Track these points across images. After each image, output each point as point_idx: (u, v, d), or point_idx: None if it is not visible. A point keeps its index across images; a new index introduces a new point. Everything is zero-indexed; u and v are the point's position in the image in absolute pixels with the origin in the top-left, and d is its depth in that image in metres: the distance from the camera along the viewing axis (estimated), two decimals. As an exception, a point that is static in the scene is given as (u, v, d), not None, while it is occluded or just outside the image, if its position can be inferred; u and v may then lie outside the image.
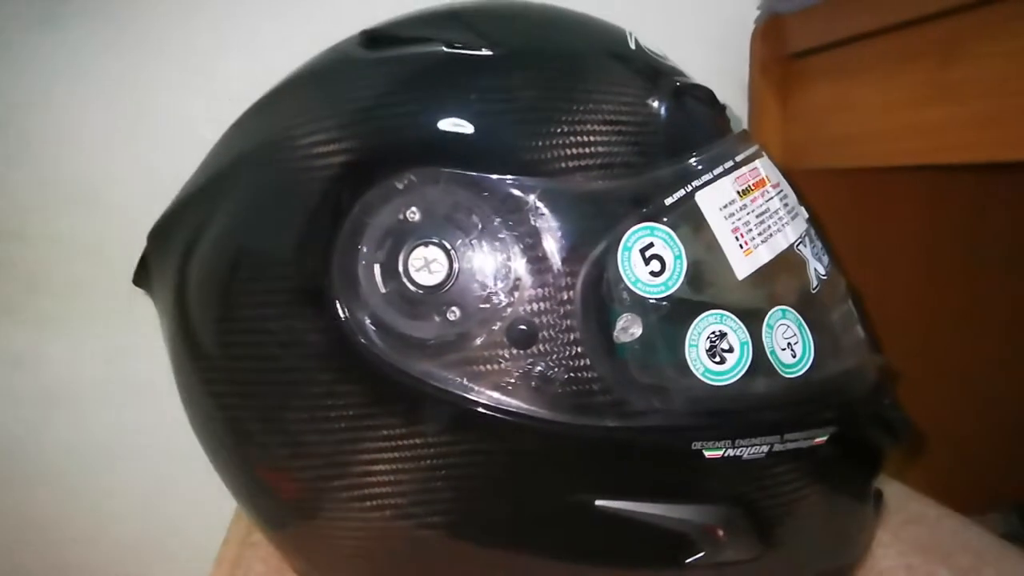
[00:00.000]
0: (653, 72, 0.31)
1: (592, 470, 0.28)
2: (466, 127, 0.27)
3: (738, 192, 0.29)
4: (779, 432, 0.28)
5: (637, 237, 0.27)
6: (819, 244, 0.33)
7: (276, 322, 0.28)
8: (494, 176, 0.26)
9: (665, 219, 0.27)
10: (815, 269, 0.31)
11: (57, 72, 0.50)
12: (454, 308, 0.26)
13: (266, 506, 0.33)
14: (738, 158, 0.30)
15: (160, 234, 0.34)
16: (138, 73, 0.51)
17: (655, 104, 0.29)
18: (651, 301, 0.27)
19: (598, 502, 0.28)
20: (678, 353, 0.27)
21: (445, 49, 0.29)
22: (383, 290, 0.27)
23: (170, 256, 0.33)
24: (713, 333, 0.27)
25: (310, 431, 0.29)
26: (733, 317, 0.28)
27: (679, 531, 0.29)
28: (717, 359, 0.27)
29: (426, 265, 0.26)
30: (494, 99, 0.28)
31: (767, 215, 0.30)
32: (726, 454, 0.28)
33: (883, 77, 0.42)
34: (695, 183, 0.28)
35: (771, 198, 0.31)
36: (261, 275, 0.29)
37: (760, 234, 0.29)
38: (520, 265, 0.26)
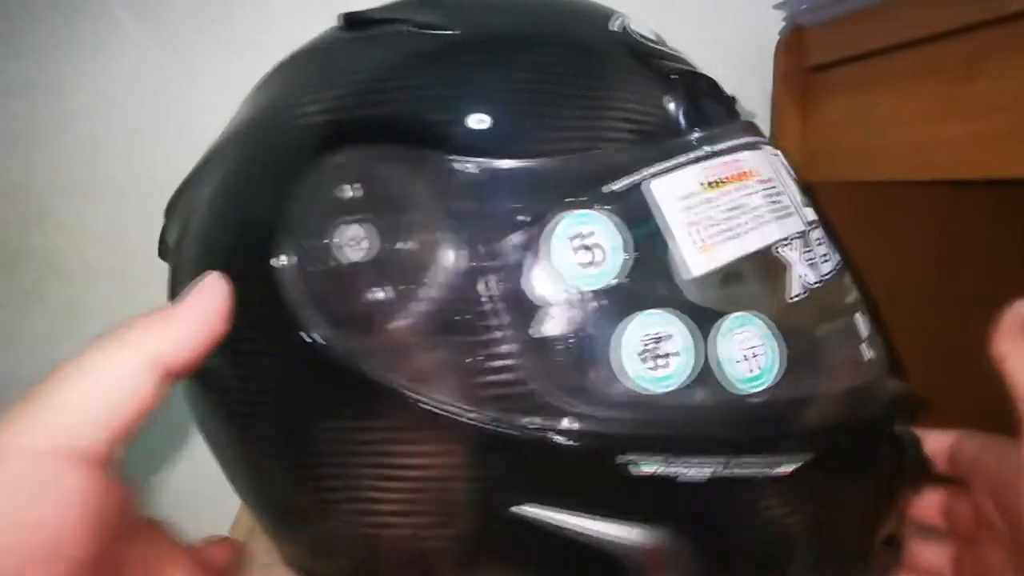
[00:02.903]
0: (631, 56, 0.29)
1: (513, 472, 0.26)
2: (404, 105, 0.27)
3: (705, 184, 0.26)
4: (726, 454, 0.25)
5: (570, 224, 0.25)
6: (822, 251, 0.29)
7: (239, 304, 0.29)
8: (429, 154, 0.26)
9: (607, 206, 0.25)
10: (802, 276, 0.27)
11: (79, 62, 0.51)
12: (379, 289, 0.26)
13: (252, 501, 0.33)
14: (716, 148, 0.27)
15: (169, 210, 0.36)
16: (163, 65, 0.52)
17: (616, 87, 0.27)
18: (581, 294, 0.25)
19: (520, 508, 0.26)
20: (608, 354, 0.25)
21: (409, 29, 0.29)
22: (319, 267, 0.27)
23: (174, 234, 0.35)
24: (651, 335, 0.25)
25: (266, 415, 0.29)
26: (678, 319, 0.25)
27: (608, 551, 0.26)
28: (653, 364, 0.25)
29: (356, 242, 0.26)
30: (438, 77, 0.27)
31: (740, 210, 0.27)
32: (658, 471, 0.25)
33: (904, 91, 0.42)
34: (650, 170, 0.26)
35: (752, 193, 0.27)
36: (225, 258, 0.30)
37: (726, 230, 0.26)
38: (448, 248, 0.25)
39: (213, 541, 0.29)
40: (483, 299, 0.25)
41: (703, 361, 0.25)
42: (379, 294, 0.26)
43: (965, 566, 0.30)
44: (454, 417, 0.25)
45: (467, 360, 0.25)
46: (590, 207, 0.25)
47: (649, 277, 0.25)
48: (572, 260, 0.25)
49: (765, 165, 0.29)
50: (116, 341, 0.21)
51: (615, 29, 0.30)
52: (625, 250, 0.25)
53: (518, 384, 0.25)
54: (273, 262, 0.26)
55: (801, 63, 0.50)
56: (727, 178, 0.27)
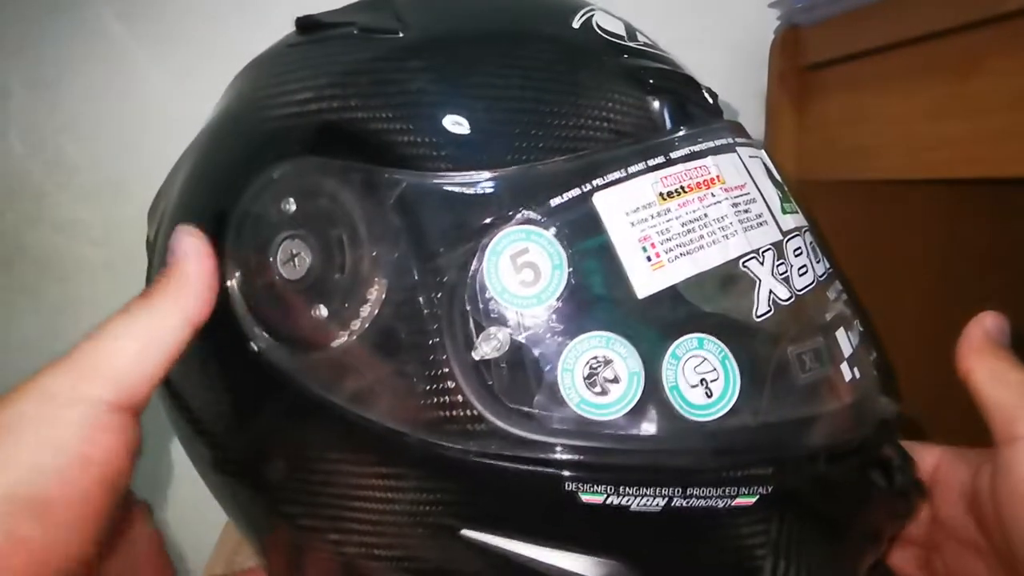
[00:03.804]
0: (590, 55, 0.27)
1: (460, 496, 0.25)
2: (339, 115, 0.26)
3: (662, 194, 0.25)
4: (680, 485, 0.23)
5: (509, 241, 0.23)
6: (800, 263, 0.27)
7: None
8: (365, 168, 0.25)
9: (547, 222, 0.23)
10: (772, 292, 0.25)
11: (77, 62, 0.51)
12: (320, 305, 0.25)
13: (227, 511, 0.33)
14: (678, 153, 0.25)
15: (151, 209, 0.36)
16: (164, 63, 0.52)
17: (565, 92, 0.25)
18: (519, 315, 0.23)
19: (470, 532, 0.25)
20: (550, 378, 0.23)
21: (354, 32, 0.28)
22: (260, 282, 0.26)
23: (152, 232, 0.35)
24: (594, 358, 0.23)
25: (225, 428, 0.29)
26: (623, 341, 0.23)
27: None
28: (598, 389, 0.23)
29: (292, 258, 0.25)
30: (373, 86, 0.26)
31: (701, 223, 0.25)
32: (608, 501, 0.24)
33: (900, 90, 0.42)
34: (596, 182, 0.24)
35: (716, 203, 0.25)
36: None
37: (682, 245, 0.24)
38: (385, 264, 0.24)
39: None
40: (419, 319, 0.24)
41: (652, 387, 0.23)
42: (315, 312, 0.25)
43: (936, 569, 0.29)
44: (398, 438, 0.25)
45: (407, 381, 0.24)
46: (529, 223, 0.23)
47: (593, 297, 0.24)
48: (511, 279, 0.23)
49: (737, 170, 0.27)
50: (148, 304, 0.23)
51: (577, 26, 0.28)
52: (565, 267, 0.23)
53: (460, 406, 0.24)
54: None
55: (796, 62, 0.50)
56: (689, 187, 0.25)
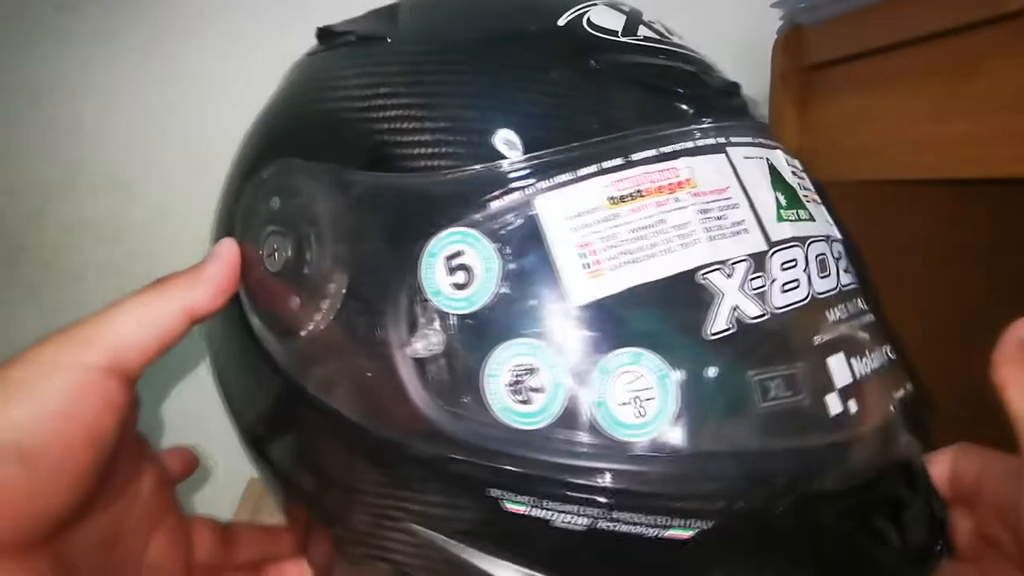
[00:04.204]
0: (557, 55, 0.26)
1: (405, 488, 0.26)
2: (323, 119, 0.27)
3: (612, 198, 0.23)
4: (604, 507, 0.22)
5: (445, 244, 0.23)
6: (788, 277, 0.24)
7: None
8: (334, 169, 0.26)
9: (485, 225, 0.23)
10: (736, 308, 0.23)
11: (79, 61, 0.50)
12: (293, 296, 0.27)
13: None
14: (640, 155, 0.24)
15: None
16: (163, 64, 0.51)
17: (529, 92, 0.25)
18: (452, 317, 0.23)
19: (413, 526, 0.26)
20: (477, 382, 0.23)
21: (352, 40, 0.29)
22: (251, 273, 0.28)
23: None
24: (519, 366, 0.23)
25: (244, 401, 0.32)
26: (550, 351, 0.22)
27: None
28: (521, 397, 0.23)
29: (274, 252, 0.27)
30: (347, 91, 0.27)
31: (654, 229, 0.23)
32: (532, 512, 0.23)
33: (903, 90, 0.42)
34: (540, 185, 0.23)
35: (679, 208, 0.24)
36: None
37: (628, 253, 0.23)
38: (346, 260, 0.25)
39: (171, 450, 0.33)
40: (370, 315, 0.25)
41: (576, 400, 0.22)
42: (291, 302, 0.27)
43: None
44: (356, 430, 0.26)
45: (361, 374, 0.25)
46: (467, 226, 0.23)
47: (525, 303, 0.23)
48: (444, 281, 0.23)
49: (720, 173, 0.25)
50: (157, 290, 0.26)
51: (562, 23, 0.27)
52: (497, 271, 0.23)
53: (402, 403, 0.24)
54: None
55: (799, 62, 0.50)
56: (647, 191, 0.24)
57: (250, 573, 0.33)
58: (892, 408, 0.26)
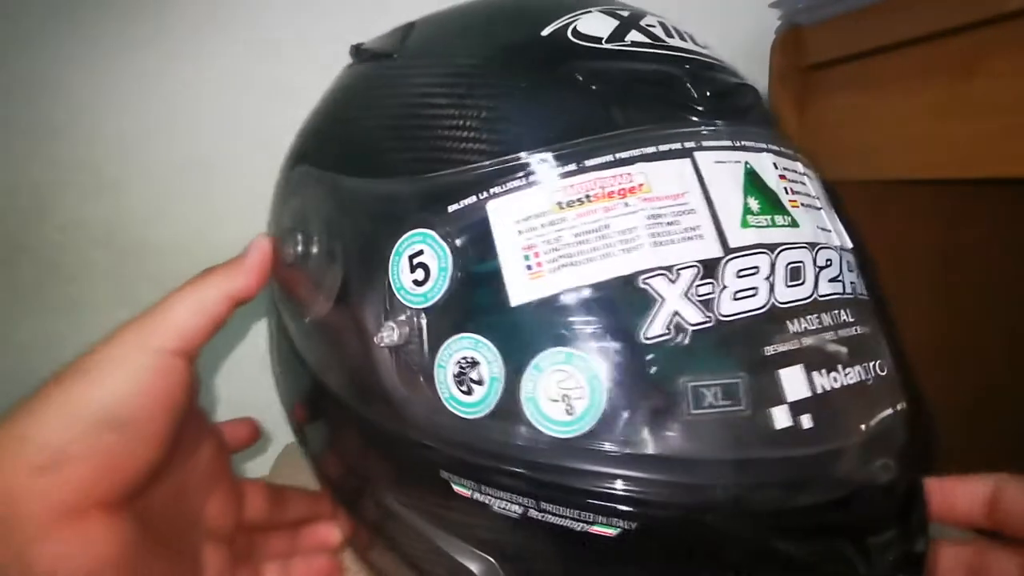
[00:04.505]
0: (533, 66, 0.27)
1: (382, 467, 0.28)
2: (330, 129, 0.30)
3: (560, 203, 0.24)
4: (532, 497, 0.23)
5: (409, 243, 0.26)
6: (744, 285, 0.24)
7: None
8: (332, 176, 0.29)
9: (441, 227, 0.25)
10: (675, 314, 0.23)
11: (78, 61, 0.50)
12: (301, 286, 0.31)
13: None
14: (594, 161, 0.25)
15: None
16: (162, 65, 0.51)
17: (490, 102, 0.26)
18: (412, 311, 0.26)
19: (389, 500, 0.28)
20: (431, 371, 0.25)
21: (366, 57, 0.32)
22: (279, 263, 0.32)
23: None
24: (464, 359, 0.24)
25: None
26: (490, 346, 0.24)
27: (446, 564, 0.27)
28: (464, 388, 0.24)
29: (294, 246, 0.31)
30: (354, 104, 0.30)
31: (597, 234, 0.24)
32: (474, 496, 0.25)
33: (901, 90, 0.43)
34: (494, 190, 0.25)
35: (626, 213, 0.24)
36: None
37: (569, 256, 0.24)
38: (337, 258, 0.28)
39: (236, 421, 0.38)
40: (355, 307, 0.28)
41: (510, 394, 0.24)
42: (300, 290, 0.30)
43: None
44: (344, 409, 0.29)
45: (345, 358, 0.28)
46: (427, 227, 0.25)
47: (473, 300, 0.25)
48: (407, 277, 0.26)
49: (681, 178, 0.25)
50: (204, 279, 0.30)
51: (546, 34, 0.28)
52: (449, 270, 0.25)
53: (377, 387, 0.27)
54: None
55: (798, 62, 0.50)
56: (596, 196, 0.24)
57: (292, 531, 0.37)
58: (863, 427, 0.24)
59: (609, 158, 0.25)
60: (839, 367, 0.24)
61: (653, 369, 0.23)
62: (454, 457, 0.25)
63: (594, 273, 0.23)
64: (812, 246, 0.26)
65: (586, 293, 0.23)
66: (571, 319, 0.24)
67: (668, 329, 0.23)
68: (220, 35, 0.52)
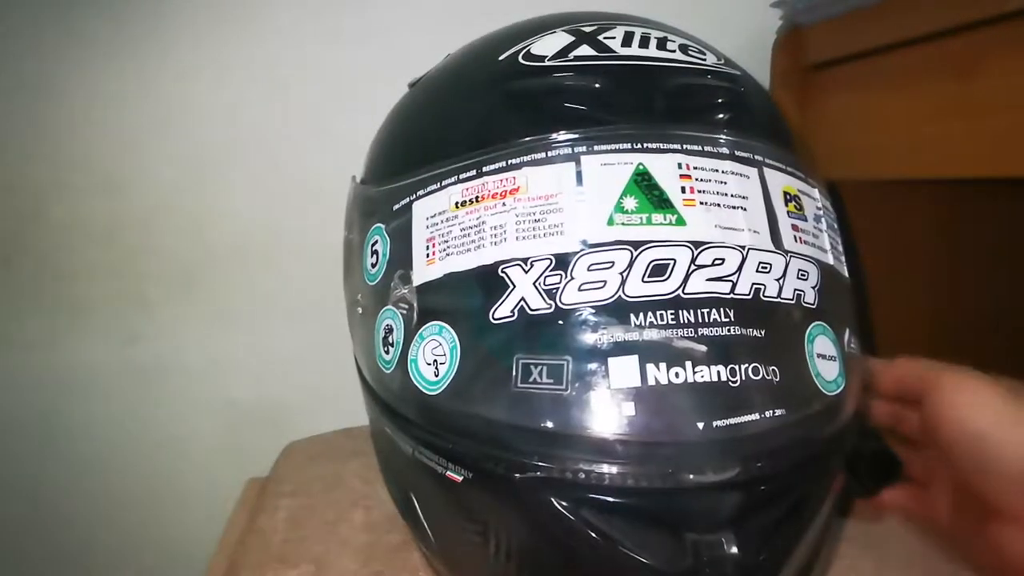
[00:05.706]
0: (477, 89, 0.32)
1: (395, 422, 0.35)
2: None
3: (457, 203, 0.29)
4: (414, 440, 0.29)
5: (372, 235, 0.33)
6: (593, 278, 0.26)
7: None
8: (359, 183, 0.38)
9: (386, 222, 0.32)
10: (521, 299, 0.26)
11: (77, 61, 0.51)
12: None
13: None
14: (491, 167, 0.29)
15: None
16: (161, 64, 0.52)
17: (438, 121, 0.32)
18: (367, 287, 0.33)
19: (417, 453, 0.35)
20: (371, 336, 0.32)
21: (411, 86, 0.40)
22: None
23: None
24: (386, 326, 0.31)
25: None
26: (399, 317, 0.30)
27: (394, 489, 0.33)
28: (385, 349, 0.31)
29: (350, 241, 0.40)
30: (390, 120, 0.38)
31: (476, 229, 0.28)
32: (388, 431, 0.31)
33: (903, 90, 0.43)
34: (419, 192, 0.31)
35: (501, 211, 0.28)
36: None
37: (453, 247, 0.29)
38: (358, 248, 0.37)
39: None
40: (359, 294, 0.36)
41: (405, 357, 0.29)
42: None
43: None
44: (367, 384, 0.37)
45: (356, 328, 0.37)
46: (380, 222, 0.32)
47: (393, 281, 0.31)
48: (368, 262, 0.33)
49: (558, 181, 0.28)
50: None
51: (501, 59, 0.33)
52: (387, 256, 0.31)
53: (365, 353, 0.35)
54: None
55: (799, 62, 0.51)
56: (483, 196, 0.29)
57: None
58: (701, 426, 0.24)
59: (502, 164, 0.29)
60: (687, 364, 0.25)
61: (495, 344, 0.27)
62: (381, 399, 0.31)
63: (467, 261, 0.28)
64: (696, 244, 0.26)
65: (460, 277, 0.28)
66: (447, 299, 0.28)
67: (512, 312, 0.26)
68: (220, 34, 0.52)
